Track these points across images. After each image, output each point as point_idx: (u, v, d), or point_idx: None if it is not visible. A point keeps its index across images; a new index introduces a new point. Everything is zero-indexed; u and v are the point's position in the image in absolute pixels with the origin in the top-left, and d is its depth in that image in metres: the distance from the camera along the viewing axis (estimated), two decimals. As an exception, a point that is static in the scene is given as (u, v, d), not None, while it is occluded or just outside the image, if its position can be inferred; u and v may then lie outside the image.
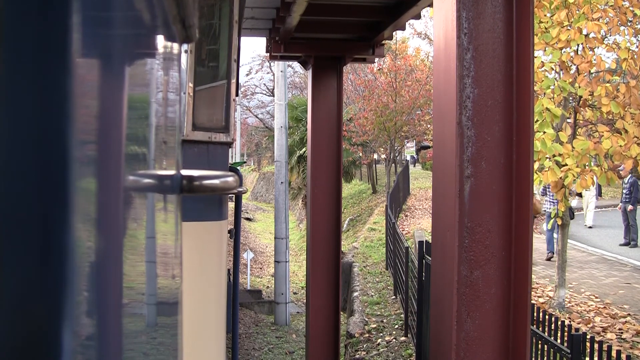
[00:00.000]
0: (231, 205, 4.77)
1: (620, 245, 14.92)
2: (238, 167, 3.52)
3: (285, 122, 14.53)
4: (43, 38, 0.44)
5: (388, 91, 21.96)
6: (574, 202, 14.45)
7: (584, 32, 8.01)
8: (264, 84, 40.86)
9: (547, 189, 12.11)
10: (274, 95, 20.41)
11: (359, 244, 18.30)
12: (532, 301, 6.20)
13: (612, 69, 9.72)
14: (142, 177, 0.87)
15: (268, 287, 17.58)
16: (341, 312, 8.44)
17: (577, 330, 6.01)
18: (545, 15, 8.27)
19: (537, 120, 7.72)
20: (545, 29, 8.22)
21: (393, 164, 24.65)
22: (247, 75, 40.07)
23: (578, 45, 8.35)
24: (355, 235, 20.77)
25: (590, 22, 7.78)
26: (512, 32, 3.19)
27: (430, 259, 6.95)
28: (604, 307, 9.63)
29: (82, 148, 0.50)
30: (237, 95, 3.87)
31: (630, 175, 14.56)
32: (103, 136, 0.58)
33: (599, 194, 17.53)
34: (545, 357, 5.71)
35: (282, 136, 14.46)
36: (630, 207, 14.73)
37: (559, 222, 9.76)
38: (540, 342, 5.82)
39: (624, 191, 15.04)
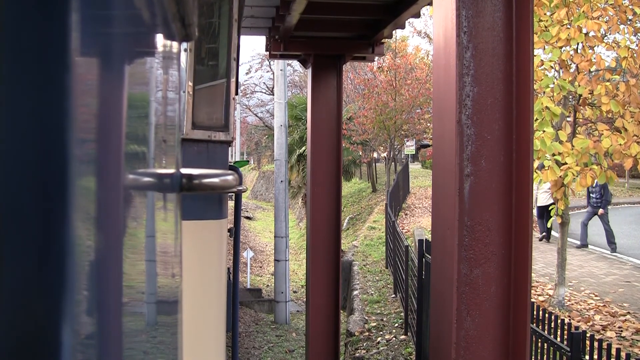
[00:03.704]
0: (231, 203, 4.77)
1: (577, 247, 14.42)
2: (241, 167, 3.51)
3: (285, 121, 14.53)
4: (43, 36, 0.44)
5: (388, 90, 21.94)
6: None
7: (584, 30, 8.00)
8: (264, 83, 40.86)
9: None
10: (273, 94, 20.40)
11: (358, 242, 18.30)
12: (532, 299, 6.20)
13: (611, 68, 9.72)
14: (141, 176, 0.87)
15: (268, 285, 17.58)
16: (341, 311, 8.45)
17: (576, 328, 6.02)
18: (545, 14, 8.27)
19: (537, 119, 7.72)
20: (545, 27, 8.21)
21: (393, 163, 24.64)
22: (247, 73, 40.09)
23: (578, 43, 8.35)
24: (355, 234, 20.77)
25: (590, 21, 7.78)
26: (511, 31, 3.19)
27: (430, 257, 6.95)
28: (604, 305, 9.64)
29: (82, 147, 0.50)
30: (236, 93, 3.87)
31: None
32: (103, 135, 0.58)
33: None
34: (545, 356, 5.71)
35: (281, 135, 14.46)
36: (601, 210, 14.22)
37: (559, 221, 9.77)
38: (540, 340, 5.83)
39: (594, 195, 14.32)
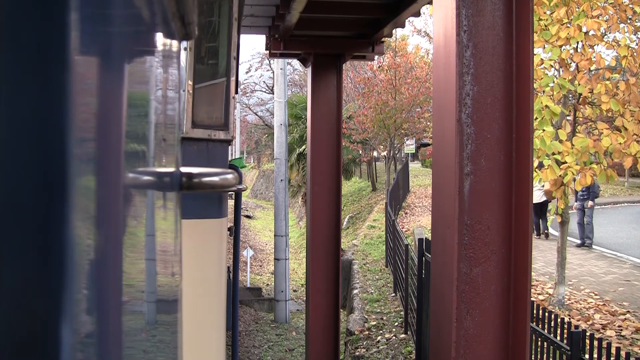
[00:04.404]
0: (231, 202, 4.77)
1: (577, 246, 14.59)
2: (237, 165, 3.50)
3: (284, 120, 14.52)
4: (42, 36, 0.44)
5: (388, 88, 21.94)
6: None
7: (584, 29, 8.00)
8: (264, 82, 40.82)
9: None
10: (273, 93, 20.39)
11: (358, 241, 18.30)
12: (532, 298, 6.20)
13: (611, 67, 9.72)
14: (141, 175, 0.87)
15: (268, 284, 17.58)
16: (341, 310, 8.45)
17: (576, 327, 6.02)
18: (544, 13, 8.27)
19: (537, 118, 7.72)
20: (545, 26, 8.21)
21: (393, 162, 24.64)
22: (247, 72, 40.04)
23: (578, 42, 8.34)
24: (355, 233, 20.77)
25: (589, 20, 7.77)
26: (511, 30, 3.19)
27: (430, 256, 6.95)
28: (604, 304, 9.64)
29: (82, 146, 0.50)
30: (236, 92, 3.87)
31: None
32: (102, 134, 0.58)
33: None
34: (545, 354, 5.72)
35: (281, 134, 14.45)
36: (590, 203, 14.48)
37: (559, 220, 9.77)
38: (539, 339, 5.83)
39: (581, 188, 14.63)
